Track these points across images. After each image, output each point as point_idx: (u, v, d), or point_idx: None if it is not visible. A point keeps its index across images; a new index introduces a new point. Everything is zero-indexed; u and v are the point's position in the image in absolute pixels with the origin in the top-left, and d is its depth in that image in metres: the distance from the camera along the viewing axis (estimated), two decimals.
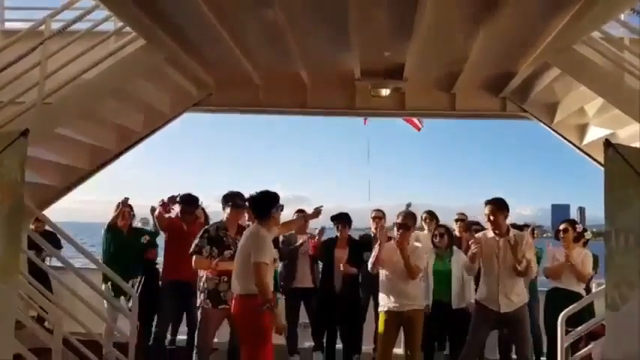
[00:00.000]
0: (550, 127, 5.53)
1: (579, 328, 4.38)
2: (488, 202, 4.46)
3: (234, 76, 5.33)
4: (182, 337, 5.41)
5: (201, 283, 4.51)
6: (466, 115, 5.85)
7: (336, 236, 5.53)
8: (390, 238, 4.64)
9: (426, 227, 6.09)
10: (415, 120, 8.26)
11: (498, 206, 4.43)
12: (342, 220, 5.53)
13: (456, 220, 6.11)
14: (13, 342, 2.09)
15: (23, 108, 4.45)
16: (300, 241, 5.57)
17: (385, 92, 5.25)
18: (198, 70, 5.13)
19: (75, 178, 5.50)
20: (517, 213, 6.79)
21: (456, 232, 5.85)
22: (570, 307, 4.42)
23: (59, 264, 5.42)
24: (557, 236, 5.46)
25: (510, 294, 4.35)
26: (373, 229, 5.84)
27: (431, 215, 6.11)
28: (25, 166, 2.23)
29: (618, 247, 2.35)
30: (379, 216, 5.88)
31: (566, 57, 4.45)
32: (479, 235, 4.69)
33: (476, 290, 4.81)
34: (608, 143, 2.42)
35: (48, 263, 5.77)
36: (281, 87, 5.58)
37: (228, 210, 4.59)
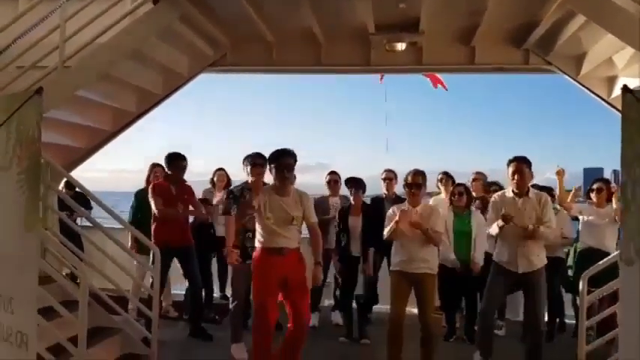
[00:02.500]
0: (576, 80, 5.32)
1: (602, 288, 4.29)
2: (514, 159, 4.33)
3: (247, 34, 5.32)
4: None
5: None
6: (486, 69, 5.67)
7: (350, 203, 5.44)
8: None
9: (442, 189, 6.05)
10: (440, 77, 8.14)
11: (527, 164, 4.31)
12: (354, 184, 5.43)
13: (473, 180, 6.07)
14: (36, 287, 2.24)
15: (45, 72, 4.58)
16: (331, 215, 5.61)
17: (401, 47, 5.13)
18: (212, 29, 5.14)
19: (99, 139, 5.66)
20: (546, 177, 6.58)
21: (473, 193, 5.77)
22: (593, 266, 4.25)
23: (90, 224, 5.65)
24: (589, 196, 5.35)
25: (530, 255, 4.25)
26: (384, 191, 5.83)
27: (447, 176, 6.04)
28: (41, 124, 2.32)
29: (635, 200, 2.26)
30: (390, 177, 5.81)
31: (591, 2, 4.22)
32: (495, 195, 4.60)
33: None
34: (625, 89, 2.28)
35: (79, 223, 6.06)
36: (294, 44, 5.53)
37: (248, 169, 4.66)
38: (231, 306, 4.80)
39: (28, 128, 2.34)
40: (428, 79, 7.98)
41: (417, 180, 4.36)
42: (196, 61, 5.65)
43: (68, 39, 4.58)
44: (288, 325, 4.05)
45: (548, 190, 5.64)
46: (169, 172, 5.24)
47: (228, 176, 6.50)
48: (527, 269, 4.26)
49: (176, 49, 5.39)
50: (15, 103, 2.36)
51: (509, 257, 4.30)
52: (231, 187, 5.09)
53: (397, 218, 4.23)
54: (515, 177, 4.28)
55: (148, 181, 6.00)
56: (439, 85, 8.25)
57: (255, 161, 4.67)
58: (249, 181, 4.71)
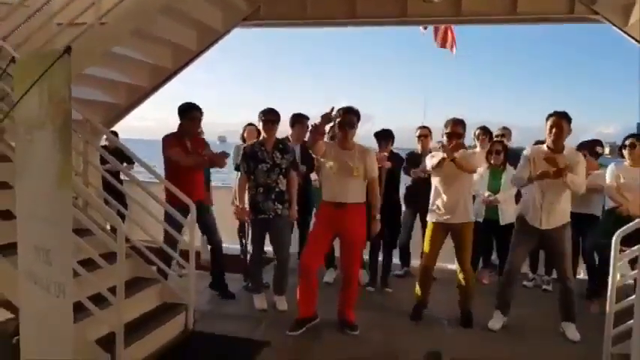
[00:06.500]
0: (623, 31, 4.96)
1: (635, 247, 4.14)
2: (553, 114, 4.18)
3: None
4: None
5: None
6: (530, 19, 5.35)
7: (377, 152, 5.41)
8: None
9: (478, 145, 5.92)
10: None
11: (567, 119, 4.17)
12: (381, 137, 5.44)
13: (499, 135, 5.97)
14: (71, 240, 2.38)
15: (82, 29, 4.68)
16: None
17: None
18: None
19: (137, 96, 5.81)
20: (598, 132, 6.32)
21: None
22: (626, 226, 4.01)
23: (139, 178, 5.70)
24: (620, 153, 5.06)
25: (554, 212, 4.23)
26: (420, 149, 5.75)
27: (484, 131, 5.92)
28: (70, 83, 2.40)
29: None
30: (425, 134, 5.72)
31: None
32: (529, 148, 4.51)
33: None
34: None
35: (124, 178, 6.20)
36: None
37: (260, 125, 4.82)
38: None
39: (59, 88, 2.41)
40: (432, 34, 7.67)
41: (456, 129, 4.42)
42: (230, 16, 5.61)
43: None
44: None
45: (596, 142, 5.43)
46: (182, 124, 4.92)
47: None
48: (550, 226, 4.25)
49: (210, 3, 5.37)
50: (45, 61, 2.43)
51: (534, 212, 4.29)
52: (244, 144, 5.11)
53: (444, 153, 4.30)
54: (553, 131, 4.17)
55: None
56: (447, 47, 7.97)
57: (266, 117, 4.75)
58: (263, 137, 4.80)
